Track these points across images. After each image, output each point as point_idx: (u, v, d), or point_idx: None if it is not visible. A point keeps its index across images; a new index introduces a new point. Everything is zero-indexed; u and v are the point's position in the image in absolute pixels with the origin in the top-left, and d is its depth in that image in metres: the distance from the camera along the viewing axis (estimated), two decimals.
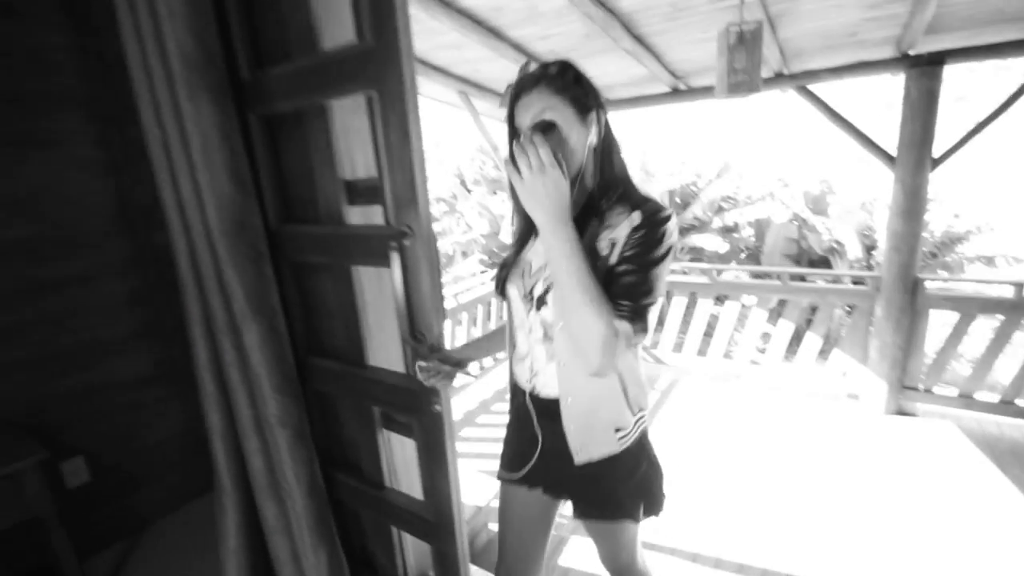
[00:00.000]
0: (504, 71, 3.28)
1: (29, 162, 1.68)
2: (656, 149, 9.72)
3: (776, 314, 3.67)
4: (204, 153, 1.12)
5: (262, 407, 1.32)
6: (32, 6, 1.65)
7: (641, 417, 1.03)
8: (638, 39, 2.68)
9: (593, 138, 0.89)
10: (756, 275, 6.82)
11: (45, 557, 1.78)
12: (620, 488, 1.02)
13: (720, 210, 9.61)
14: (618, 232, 0.86)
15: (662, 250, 0.84)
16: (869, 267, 8.51)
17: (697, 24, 2.54)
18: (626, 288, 0.84)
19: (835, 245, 8.69)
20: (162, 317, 2.04)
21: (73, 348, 1.82)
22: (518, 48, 2.86)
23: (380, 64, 0.95)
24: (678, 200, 9.48)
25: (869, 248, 8.66)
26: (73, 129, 1.77)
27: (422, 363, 1.07)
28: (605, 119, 0.90)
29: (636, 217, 0.86)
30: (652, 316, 0.86)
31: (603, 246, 0.87)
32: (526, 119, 0.88)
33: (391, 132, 0.98)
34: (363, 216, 1.27)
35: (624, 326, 0.83)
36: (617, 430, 0.99)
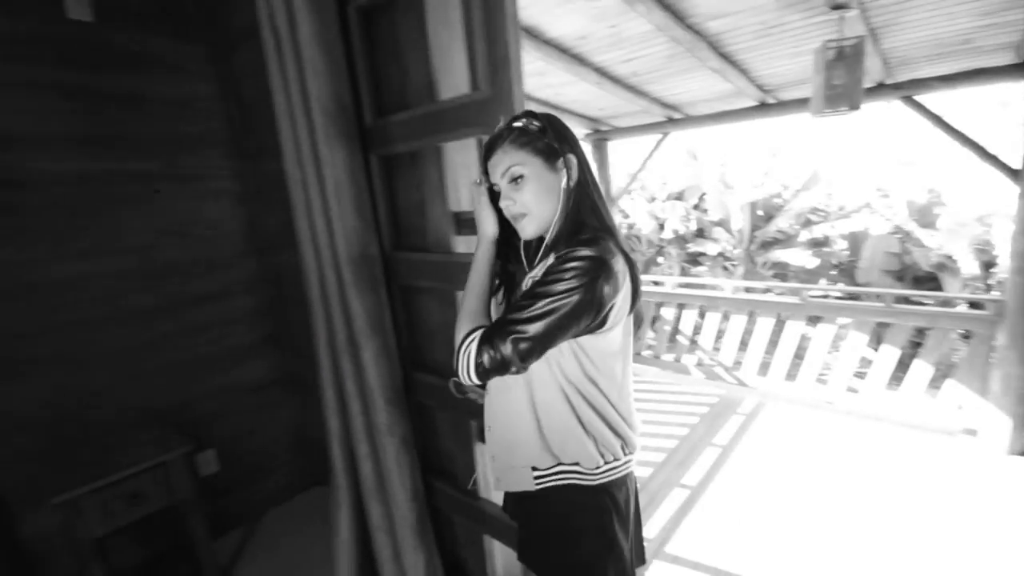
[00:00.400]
0: (583, 94, 3.36)
1: (182, 195, 1.97)
2: (737, 161, 9.36)
3: (877, 337, 3.41)
4: (336, 191, 1.28)
5: (374, 416, 1.46)
6: (191, 62, 1.95)
7: (569, 471, 0.95)
8: (725, 57, 2.66)
9: (564, 181, 0.90)
10: (851, 295, 6.35)
11: (179, 538, 2.06)
12: (545, 538, 0.99)
13: (808, 223, 9.04)
14: (536, 271, 0.90)
15: (560, 285, 0.81)
16: (988, 288, 7.61)
17: (789, 40, 2.47)
18: (506, 310, 0.87)
19: (946, 261, 7.87)
20: (279, 329, 2.29)
21: (210, 355, 2.09)
22: (600, 72, 2.93)
23: (493, 110, 1.06)
24: (760, 212, 9.05)
25: (987, 265, 7.75)
26: (217, 165, 2.06)
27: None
28: (578, 161, 0.91)
29: (551, 258, 0.87)
30: (517, 344, 0.81)
31: (525, 282, 0.92)
32: (497, 175, 0.92)
33: None
34: (466, 245, 1.38)
35: (475, 342, 0.83)
36: (534, 468, 0.96)
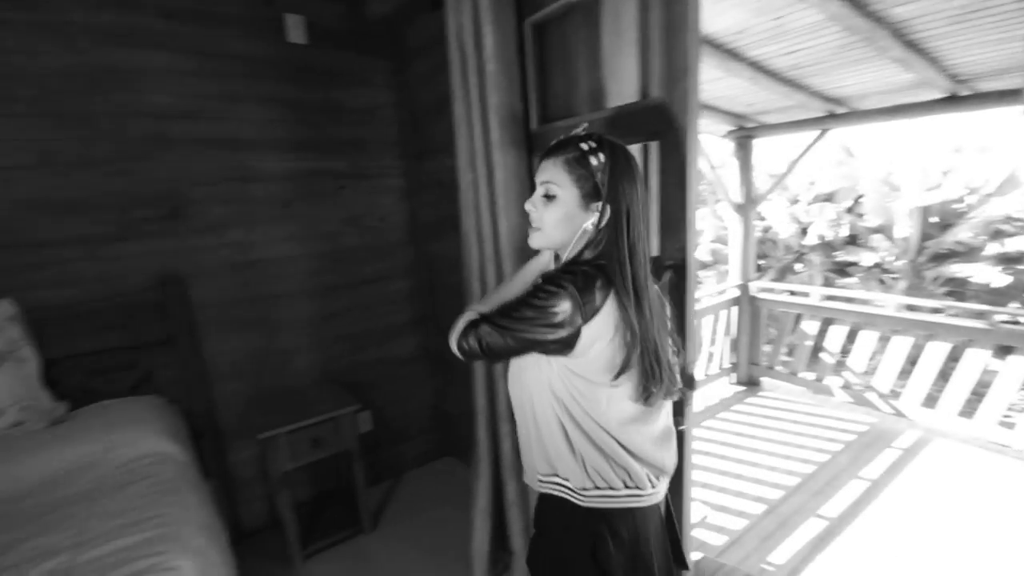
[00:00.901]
0: (731, 89, 3.19)
1: (360, 190, 2.29)
2: (906, 160, 8.12)
3: None
4: (504, 191, 1.41)
5: None
6: (376, 76, 2.25)
7: (561, 483, 0.97)
8: (911, 44, 2.36)
9: (589, 225, 0.90)
10: None
11: (340, 482, 2.40)
12: (540, 545, 1.03)
13: (999, 234, 7.57)
14: None
15: (531, 300, 0.85)
16: None
17: (994, 24, 2.12)
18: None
19: None
20: (427, 311, 2.55)
21: (373, 329, 2.41)
22: (756, 66, 2.77)
23: (665, 119, 1.09)
24: (936, 219, 7.76)
25: None
26: (388, 165, 2.35)
27: None
28: (615, 215, 0.88)
29: None
30: (483, 339, 0.88)
31: None
32: (539, 181, 0.94)
33: (668, 176, 1.11)
34: None
35: (462, 324, 0.91)
36: (539, 472, 1.01)
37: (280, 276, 2.14)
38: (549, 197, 0.92)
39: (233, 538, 1.53)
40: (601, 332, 0.86)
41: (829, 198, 8.81)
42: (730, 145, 3.95)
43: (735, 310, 3.92)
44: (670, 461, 1.01)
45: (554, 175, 0.91)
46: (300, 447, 1.94)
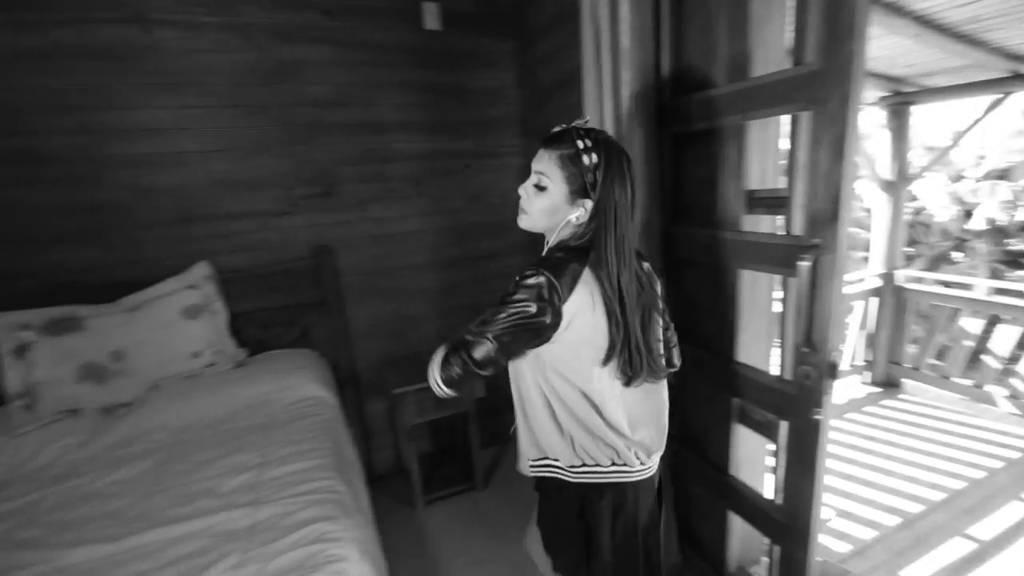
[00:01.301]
0: (889, 49, 2.81)
1: (484, 169, 2.40)
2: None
3: None
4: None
5: None
6: (502, 57, 2.33)
7: (551, 464, 1.02)
8: None
9: (573, 218, 0.94)
10: None
11: (456, 441, 2.59)
12: (540, 524, 1.09)
13: None
14: None
15: (509, 299, 0.90)
16: None
17: None
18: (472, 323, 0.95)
19: None
20: None
21: (489, 302, 2.53)
22: (922, 20, 2.41)
23: (824, 84, 1.02)
24: None
25: None
26: (509, 143, 2.43)
27: (807, 369, 1.12)
28: (601, 213, 0.92)
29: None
30: (472, 348, 0.92)
31: None
32: (533, 169, 0.98)
33: (820, 149, 1.04)
34: (752, 223, 1.37)
35: (438, 358, 0.95)
36: (528, 458, 1.05)
37: (409, 249, 2.33)
38: (540, 188, 0.96)
39: (367, 479, 1.75)
40: (581, 305, 0.90)
41: (1003, 175, 7.43)
42: (881, 114, 3.49)
43: (874, 301, 3.51)
44: (656, 441, 1.04)
45: (547, 168, 0.95)
46: (426, 404, 2.13)
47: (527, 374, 0.99)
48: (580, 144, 0.92)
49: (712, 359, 1.48)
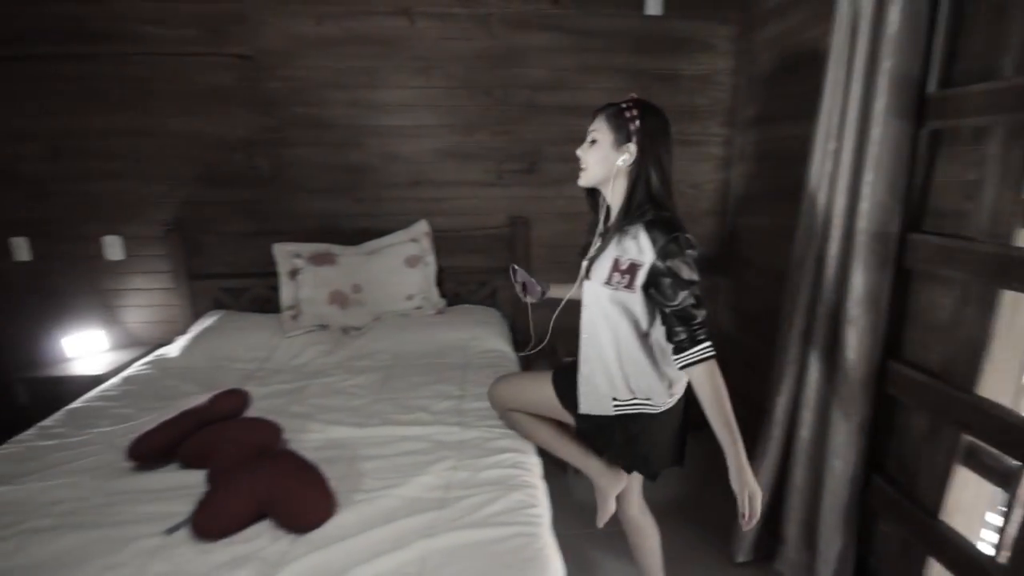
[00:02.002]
0: None
1: (682, 157, 2.37)
2: None
3: None
4: (875, 165, 1.29)
5: (835, 392, 1.49)
6: (720, 42, 2.26)
7: (642, 402, 1.21)
8: None
9: (620, 162, 1.13)
10: None
11: None
12: (615, 443, 1.27)
13: None
14: (616, 241, 1.15)
15: (685, 271, 1.08)
16: None
17: None
18: (666, 319, 1.12)
19: None
20: (717, 284, 2.53)
21: None
22: None
23: None
24: None
25: None
26: (712, 132, 2.37)
27: None
28: (641, 152, 1.12)
29: (629, 228, 1.13)
30: (700, 327, 1.11)
31: (606, 250, 1.18)
32: (588, 133, 1.19)
33: None
34: None
35: (698, 349, 1.10)
36: (613, 399, 1.22)
37: None
38: (592, 142, 1.17)
39: None
40: None
41: None
42: None
43: None
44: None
45: (597, 125, 1.17)
46: None
47: (627, 327, 1.16)
48: (623, 104, 1.15)
49: (939, 387, 1.31)
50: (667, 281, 1.06)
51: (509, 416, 1.44)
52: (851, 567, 1.60)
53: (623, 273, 1.12)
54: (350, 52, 2.16)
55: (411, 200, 2.33)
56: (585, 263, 1.25)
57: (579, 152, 1.20)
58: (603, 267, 1.16)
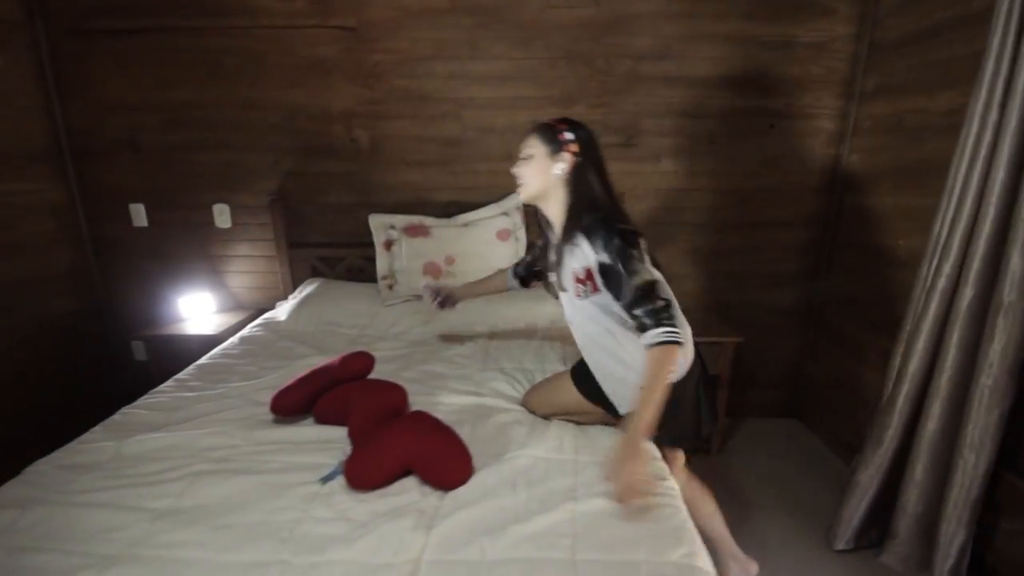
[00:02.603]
0: None
1: (787, 132, 2.25)
2: None
3: None
4: None
5: (976, 377, 1.39)
6: (844, 7, 2.10)
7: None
8: None
9: (557, 171, 1.23)
10: None
11: None
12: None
13: None
14: (572, 249, 1.24)
15: (635, 264, 1.13)
16: None
17: None
18: (632, 306, 1.15)
19: None
20: (818, 265, 2.40)
21: (757, 272, 2.44)
22: None
23: None
24: None
25: None
26: (824, 105, 2.22)
27: None
28: (572, 159, 1.22)
29: (578, 236, 1.21)
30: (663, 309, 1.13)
31: (564, 262, 1.28)
32: (520, 155, 1.29)
33: None
34: None
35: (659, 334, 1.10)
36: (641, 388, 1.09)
37: (688, 207, 2.35)
38: (527, 158, 1.26)
39: None
40: None
41: None
42: None
43: None
44: None
45: (528, 143, 1.27)
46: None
47: (616, 323, 1.23)
48: (549, 122, 1.26)
49: None
50: (615, 273, 1.13)
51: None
52: (967, 561, 1.52)
53: (583, 281, 1.21)
54: (452, 23, 2.15)
55: (503, 174, 2.26)
56: (552, 277, 1.38)
57: (514, 170, 1.30)
58: (568, 280, 1.26)
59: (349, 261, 2.43)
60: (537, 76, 2.20)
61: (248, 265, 2.49)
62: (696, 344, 1.34)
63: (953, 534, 1.50)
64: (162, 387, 1.59)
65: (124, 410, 1.44)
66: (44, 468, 1.17)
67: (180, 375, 1.67)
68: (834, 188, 2.29)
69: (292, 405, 1.34)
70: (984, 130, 1.36)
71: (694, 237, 2.40)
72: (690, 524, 1.00)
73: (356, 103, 2.26)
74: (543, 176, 1.24)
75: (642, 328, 1.09)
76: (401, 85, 2.24)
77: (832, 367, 2.36)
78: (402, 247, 2.24)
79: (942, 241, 1.50)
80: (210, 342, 2.17)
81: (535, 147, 1.25)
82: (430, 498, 1.05)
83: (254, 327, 2.07)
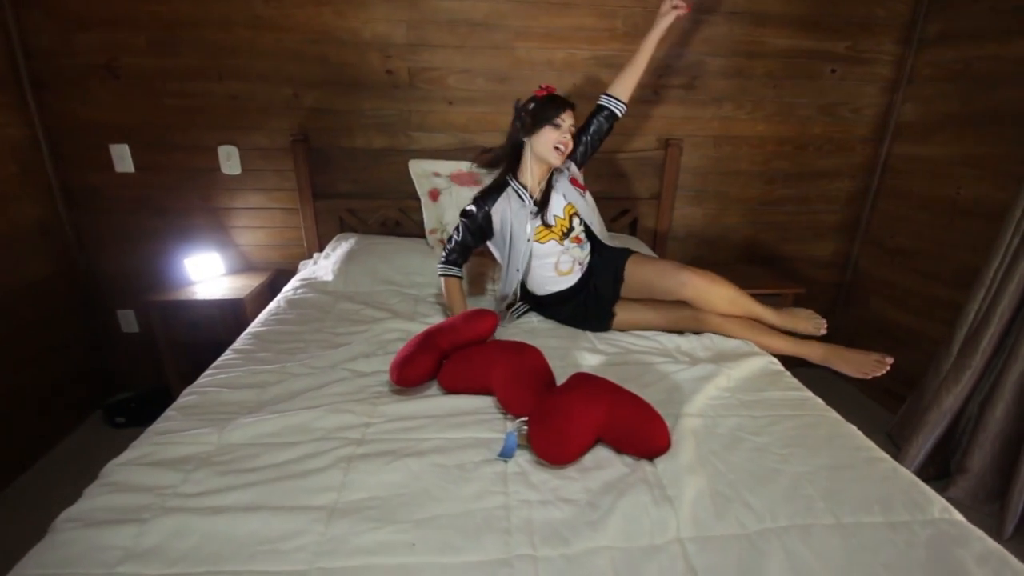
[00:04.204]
0: None
1: (848, 77, 2.19)
2: None
3: None
4: None
5: None
6: None
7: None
8: None
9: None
10: None
11: None
12: None
13: None
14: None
15: None
16: None
17: None
18: None
19: None
20: (859, 217, 2.43)
21: (802, 224, 2.43)
22: None
23: None
24: None
25: None
26: (885, 51, 2.18)
27: None
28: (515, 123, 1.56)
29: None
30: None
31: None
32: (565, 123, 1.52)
33: None
34: None
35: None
36: None
37: (744, 155, 2.28)
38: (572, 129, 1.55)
39: None
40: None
41: None
42: None
43: None
44: None
45: (570, 115, 1.53)
46: None
47: None
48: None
49: None
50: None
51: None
52: None
53: (579, 184, 1.68)
54: None
55: None
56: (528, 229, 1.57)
57: (566, 140, 1.50)
58: (560, 205, 1.59)
59: (382, 213, 2.16)
60: (601, 4, 1.99)
61: (262, 219, 2.16)
62: None
63: None
64: (223, 360, 1.32)
65: (192, 390, 1.18)
66: (130, 468, 0.92)
67: (237, 345, 1.41)
68: (883, 137, 2.29)
69: (422, 374, 1.15)
70: None
71: (746, 186, 2.33)
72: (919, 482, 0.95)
73: (393, 27, 1.95)
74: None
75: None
76: (447, 8, 1.94)
77: (870, 316, 2.43)
78: (451, 197, 2.01)
79: None
80: (223, 310, 1.88)
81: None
82: (642, 468, 0.93)
83: (296, 289, 1.79)
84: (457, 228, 1.61)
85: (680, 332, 1.52)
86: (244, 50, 1.92)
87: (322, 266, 1.93)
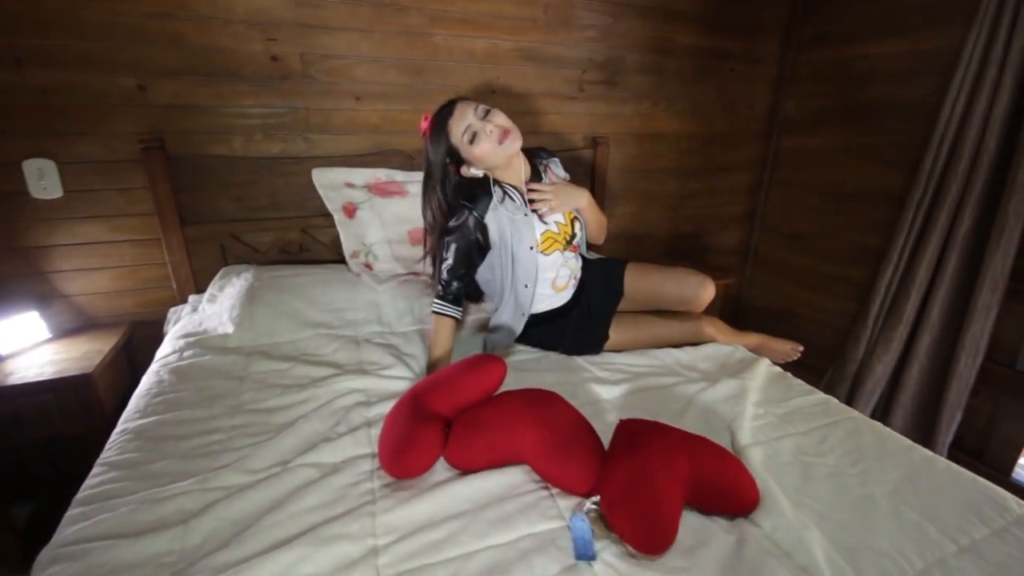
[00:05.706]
0: None
1: (743, 76, 2.32)
2: None
3: None
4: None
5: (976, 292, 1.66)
6: None
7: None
8: None
9: None
10: None
11: None
12: None
13: None
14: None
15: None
16: None
17: None
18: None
19: None
20: (755, 206, 2.62)
21: (712, 215, 2.54)
22: None
23: None
24: None
25: None
26: (770, 51, 2.35)
27: None
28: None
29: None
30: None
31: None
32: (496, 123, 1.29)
33: None
34: None
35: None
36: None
37: (662, 153, 2.29)
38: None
39: None
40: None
41: None
42: None
43: None
44: None
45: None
46: None
47: None
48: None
49: None
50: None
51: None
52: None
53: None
54: None
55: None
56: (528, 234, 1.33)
57: (507, 122, 1.27)
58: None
59: (281, 236, 1.73)
60: None
61: (103, 257, 1.57)
62: None
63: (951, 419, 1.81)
64: (94, 486, 0.86)
65: (55, 554, 0.73)
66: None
67: (110, 456, 0.94)
68: (771, 132, 2.48)
69: (432, 457, 0.86)
70: (965, 77, 1.57)
71: (665, 182, 2.36)
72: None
73: (280, 3, 1.54)
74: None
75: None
76: None
77: (772, 297, 2.64)
78: (370, 212, 1.67)
79: (936, 174, 1.72)
80: (60, 394, 1.32)
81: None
82: (748, 531, 0.78)
83: (180, 352, 1.29)
84: (443, 249, 1.27)
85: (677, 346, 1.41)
86: (57, 23, 1.35)
87: (211, 313, 1.44)
